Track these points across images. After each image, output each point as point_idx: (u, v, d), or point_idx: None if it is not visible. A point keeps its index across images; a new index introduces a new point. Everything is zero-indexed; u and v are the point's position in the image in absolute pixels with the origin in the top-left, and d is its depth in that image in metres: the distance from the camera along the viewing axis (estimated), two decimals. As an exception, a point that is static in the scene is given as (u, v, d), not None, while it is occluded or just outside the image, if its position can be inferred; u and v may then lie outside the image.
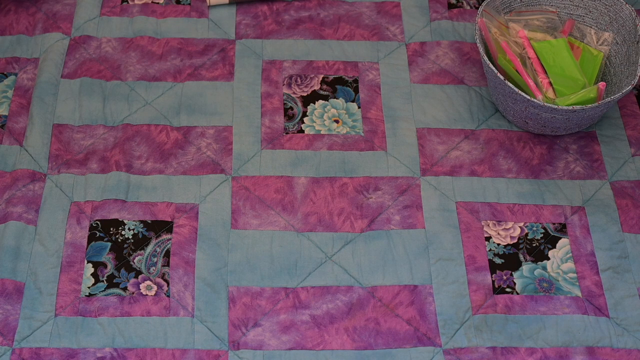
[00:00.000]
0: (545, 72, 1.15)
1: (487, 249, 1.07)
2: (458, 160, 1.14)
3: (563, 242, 1.08)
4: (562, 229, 1.09)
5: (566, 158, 1.15)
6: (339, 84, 1.22)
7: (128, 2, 1.30)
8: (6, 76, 1.21)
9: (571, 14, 1.22)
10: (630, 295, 1.03)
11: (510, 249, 1.07)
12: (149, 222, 1.07)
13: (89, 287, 1.02)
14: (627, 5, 1.17)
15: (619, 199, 1.11)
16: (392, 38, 1.27)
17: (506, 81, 1.08)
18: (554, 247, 1.07)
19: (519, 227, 1.09)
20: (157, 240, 1.06)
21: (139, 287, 1.02)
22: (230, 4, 1.30)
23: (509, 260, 1.06)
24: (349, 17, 1.29)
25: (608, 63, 1.19)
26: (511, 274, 1.05)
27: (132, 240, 1.06)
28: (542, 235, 1.08)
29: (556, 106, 1.06)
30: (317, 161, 1.13)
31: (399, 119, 1.18)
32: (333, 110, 1.19)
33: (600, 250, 1.07)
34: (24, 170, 1.11)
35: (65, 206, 1.08)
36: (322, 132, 1.16)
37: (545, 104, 1.06)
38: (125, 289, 1.02)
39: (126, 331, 0.99)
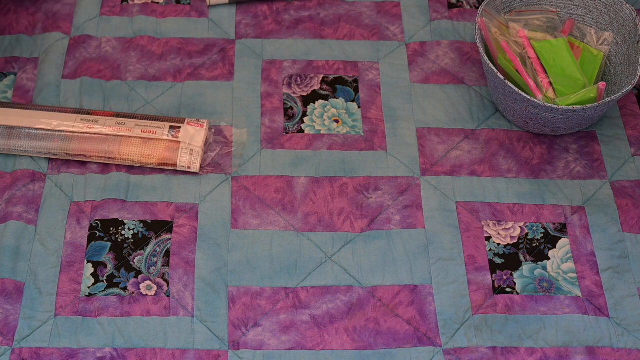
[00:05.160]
0: (546, 72, 1.15)
1: (487, 249, 1.07)
2: (458, 160, 1.14)
3: (563, 242, 1.08)
4: (562, 229, 1.09)
5: (566, 158, 1.15)
6: (339, 84, 1.22)
7: (128, 2, 1.30)
8: (5, 76, 1.21)
9: (571, 14, 1.22)
10: (630, 295, 1.03)
11: (510, 249, 1.07)
12: (149, 222, 1.07)
13: (89, 287, 1.02)
14: (627, 5, 1.17)
15: (619, 199, 1.11)
16: (392, 38, 1.27)
17: (506, 81, 1.08)
18: (554, 247, 1.07)
19: (519, 227, 1.09)
20: (157, 240, 1.06)
21: (139, 287, 1.02)
22: (230, 3, 1.30)
23: (509, 260, 1.06)
24: (349, 17, 1.29)
25: (608, 63, 1.19)
26: (511, 274, 1.05)
27: (132, 240, 1.06)
28: (542, 235, 1.08)
29: (556, 106, 1.06)
30: (317, 161, 1.13)
31: (399, 119, 1.18)
32: (333, 110, 1.19)
33: (601, 250, 1.07)
34: (24, 170, 1.11)
35: (65, 206, 1.08)
36: (322, 132, 1.16)
37: (546, 103, 1.06)
38: (125, 289, 1.02)
39: (126, 331, 0.99)
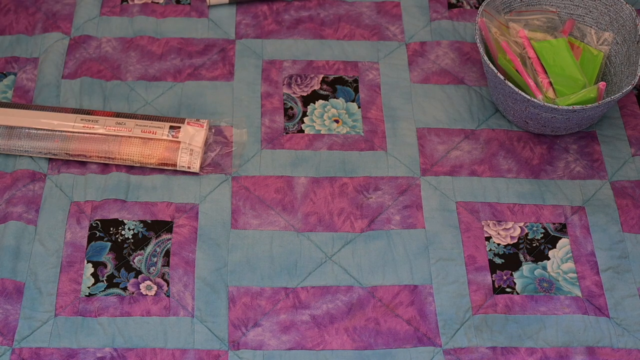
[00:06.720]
0: (546, 72, 1.15)
1: (487, 249, 1.07)
2: (458, 160, 1.14)
3: (563, 242, 1.08)
4: (562, 229, 1.09)
5: (566, 158, 1.15)
6: (339, 84, 1.22)
7: (128, 2, 1.30)
8: (5, 76, 1.21)
9: (571, 14, 1.22)
10: (630, 295, 1.03)
11: (510, 249, 1.07)
12: (149, 222, 1.07)
13: (88, 287, 1.02)
14: (627, 5, 1.17)
15: (619, 199, 1.11)
16: (392, 38, 1.27)
17: (506, 81, 1.08)
18: (554, 247, 1.07)
19: (519, 227, 1.09)
20: (157, 240, 1.06)
21: (138, 287, 1.02)
22: (230, 3, 1.30)
23: (509, 260, 1.06)
24: (349, 17, 1.29)
25: (608, 63, 1.19)
26: (511, 274, 1.05)
27: (132, 240, 1.06)
28: (542, 235, 1.08)
29: (556, 106, 1.06)
30: (317, 161, 1.13)
31: (399, 119, 1.18)
32: (333, 110, 1.19)
33: (601, 250, 1.07)
34: (24, 170, 1.11)
35: (65, 206, 1.08)
36: (322, 132, 1.16)
37: (546, 103, 1.06)
38: (125, 289, 1.02)
39: (126, 331, 0.99)
